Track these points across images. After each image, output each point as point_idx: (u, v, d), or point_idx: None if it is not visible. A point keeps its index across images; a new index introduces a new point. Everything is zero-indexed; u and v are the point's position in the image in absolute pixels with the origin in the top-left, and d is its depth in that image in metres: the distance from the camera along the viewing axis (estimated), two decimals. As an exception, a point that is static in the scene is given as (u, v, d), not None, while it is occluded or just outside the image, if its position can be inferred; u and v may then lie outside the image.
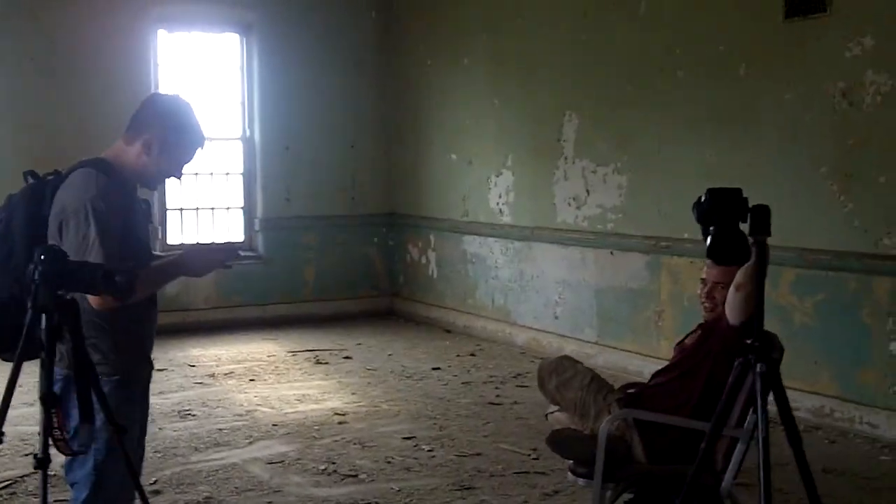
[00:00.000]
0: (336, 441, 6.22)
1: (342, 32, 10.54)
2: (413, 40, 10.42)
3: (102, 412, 3.16)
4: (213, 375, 7.98)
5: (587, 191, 8.28)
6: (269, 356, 8.74)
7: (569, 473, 4.25)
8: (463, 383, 7.75)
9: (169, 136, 3.41)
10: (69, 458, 3.27)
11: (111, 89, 9.22)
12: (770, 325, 3.29)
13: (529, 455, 5.91)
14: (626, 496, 4.20)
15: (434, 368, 8.24)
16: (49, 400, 2.94)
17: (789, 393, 3.20)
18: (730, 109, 7.12)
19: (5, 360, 3.53)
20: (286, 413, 6.87)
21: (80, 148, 9.00)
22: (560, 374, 4.48)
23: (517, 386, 7.66)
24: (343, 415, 6.82)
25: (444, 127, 10.02)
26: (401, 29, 10.64)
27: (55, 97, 9.19)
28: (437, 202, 10.17)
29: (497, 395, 7.35)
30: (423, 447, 6.08)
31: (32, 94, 9.15)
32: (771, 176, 6.76)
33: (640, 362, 7.76)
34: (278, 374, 8.07)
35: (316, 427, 6.52)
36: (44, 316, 2.95)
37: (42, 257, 2.90)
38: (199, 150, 3.55)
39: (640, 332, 7.86)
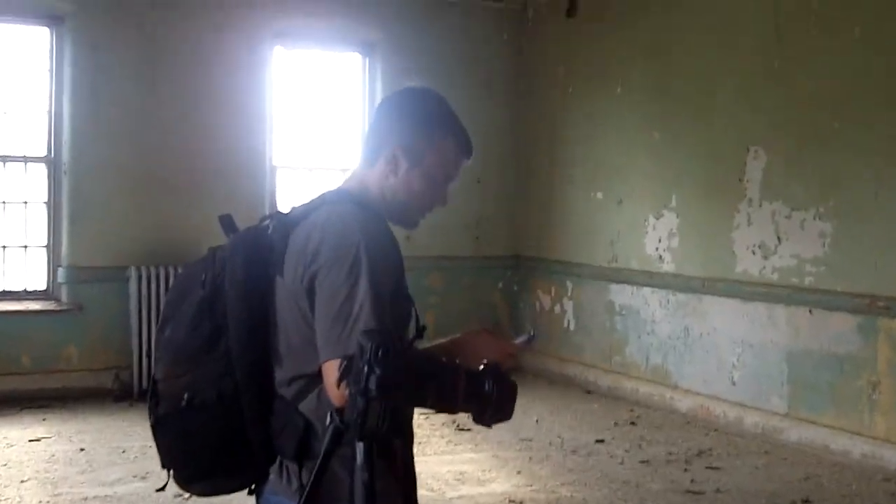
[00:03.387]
0: (529, 542, 5.12)
1: (471, 55, 9.55)
2: (551, 63, 9.38)
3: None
4: (345, 443, 6.91)
5: (778, 238, 7.16)
6: (400, 419, 7.65)
7: None
8: (641, 462, 6.62)
9: (418, 142, 2.43)
10: None
11: (224, 106, 8.43)
12: None
13: (780, 571, 4.78)
14: None
15: (598, 441, 7.11)
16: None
17: None
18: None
19: (201, 492, 2.49)
20: (451, 499, 5.77)
21: (191, 169, 8.32)
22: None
23: (707, 468, 6.51)
24: (520, 503, 5.73)
25: (587, 162, 8.94)
26: (536, 51, 9.61)
27: (165, 114, 8.33)
28: (577, 245, 9.08)
29: (692, 481, 6.20)
30: (641, 555, 4.97)
31: (142, 110, 8.27)
32: None
33: (846, 441, 6.62)
34: (419, 444, 6.93)
35: (495, 520, 5.44)
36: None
37: (380, 352, 1.85)
38: (464, 159, 2.51)
39: (846, 406, 6.70)
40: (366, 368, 1.85)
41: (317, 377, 2.26)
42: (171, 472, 2.42)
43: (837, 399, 6.77)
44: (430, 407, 1.98)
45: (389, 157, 2.43)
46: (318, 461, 2.01)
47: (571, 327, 9.16)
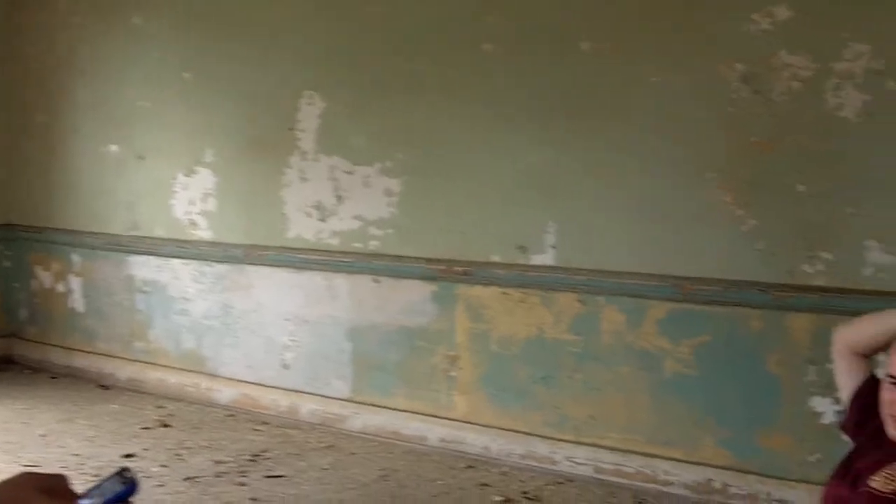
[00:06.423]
0: None
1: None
2: (47, -12, 7.59)
3: None
4: None
5: (338, 197, 6.17)
6: None
7: None
8: (186, 479, 5.28)
9: None
10: None
11: None
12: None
13: None
14: None
15: (126, 456, 5.63)
16: None
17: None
18: (565, 96, 5.40)
19: None
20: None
21: None
22: None
23: (266, 477, 5.35)
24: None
25: (98, 109, 7.30)
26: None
27: None
28: (86, 210, 7.39)
29: (253, 500, 5.00)
30: None
31: None
32: (630, 183, 5.21)
33: (419, 425, 5.86)
34: None
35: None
36: None
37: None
38: None
39: (421, 386, 5.90)
40: None
41: None
42: None
43: (409, 378, 5.95)
44: None
45: None
46: None
47: (80, 309, 7.49)
